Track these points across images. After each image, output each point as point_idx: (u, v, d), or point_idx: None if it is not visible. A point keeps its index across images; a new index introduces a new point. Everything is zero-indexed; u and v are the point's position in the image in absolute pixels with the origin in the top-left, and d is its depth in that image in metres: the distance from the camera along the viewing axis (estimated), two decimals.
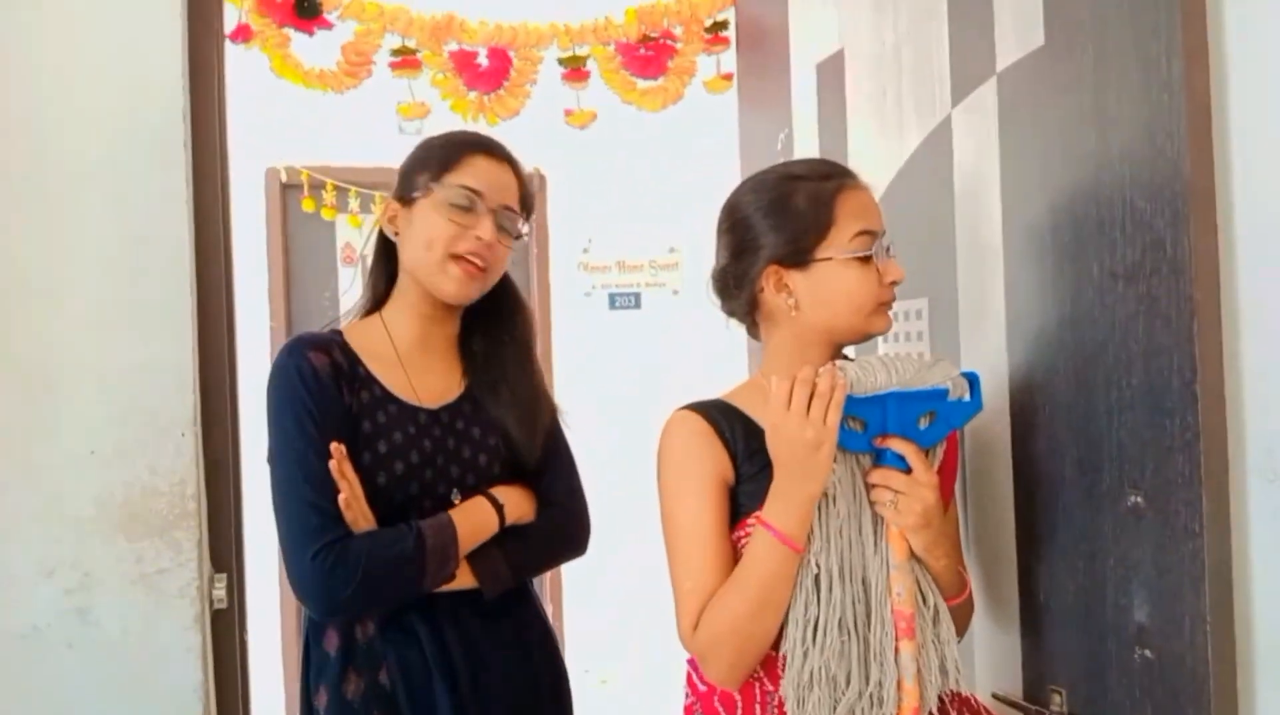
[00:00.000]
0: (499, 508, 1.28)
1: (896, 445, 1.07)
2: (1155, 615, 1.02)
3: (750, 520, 1.10)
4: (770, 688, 1.11)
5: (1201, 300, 0.97)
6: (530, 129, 3.62)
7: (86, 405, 1.36)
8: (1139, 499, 1.04)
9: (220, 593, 1.37)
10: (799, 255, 1.14)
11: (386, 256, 1.37)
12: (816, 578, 1.06)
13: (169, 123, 1.41)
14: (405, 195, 1.32)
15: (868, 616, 1.07)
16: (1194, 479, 0.97)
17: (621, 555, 3.02)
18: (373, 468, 1.23)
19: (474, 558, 1.26)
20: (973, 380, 1.11)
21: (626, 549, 2.85)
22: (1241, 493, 0.97)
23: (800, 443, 1.03)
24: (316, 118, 3.47)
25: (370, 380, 1.27)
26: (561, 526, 1.36)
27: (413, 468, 1.25)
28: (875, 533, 1.09)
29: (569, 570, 3.88)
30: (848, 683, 1.04)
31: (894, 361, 1.09)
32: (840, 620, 1.05)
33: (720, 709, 1.14)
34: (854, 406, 1.06)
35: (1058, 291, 1.16)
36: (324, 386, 1.22)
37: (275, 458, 1.22)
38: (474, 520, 1.26)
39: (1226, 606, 0.96)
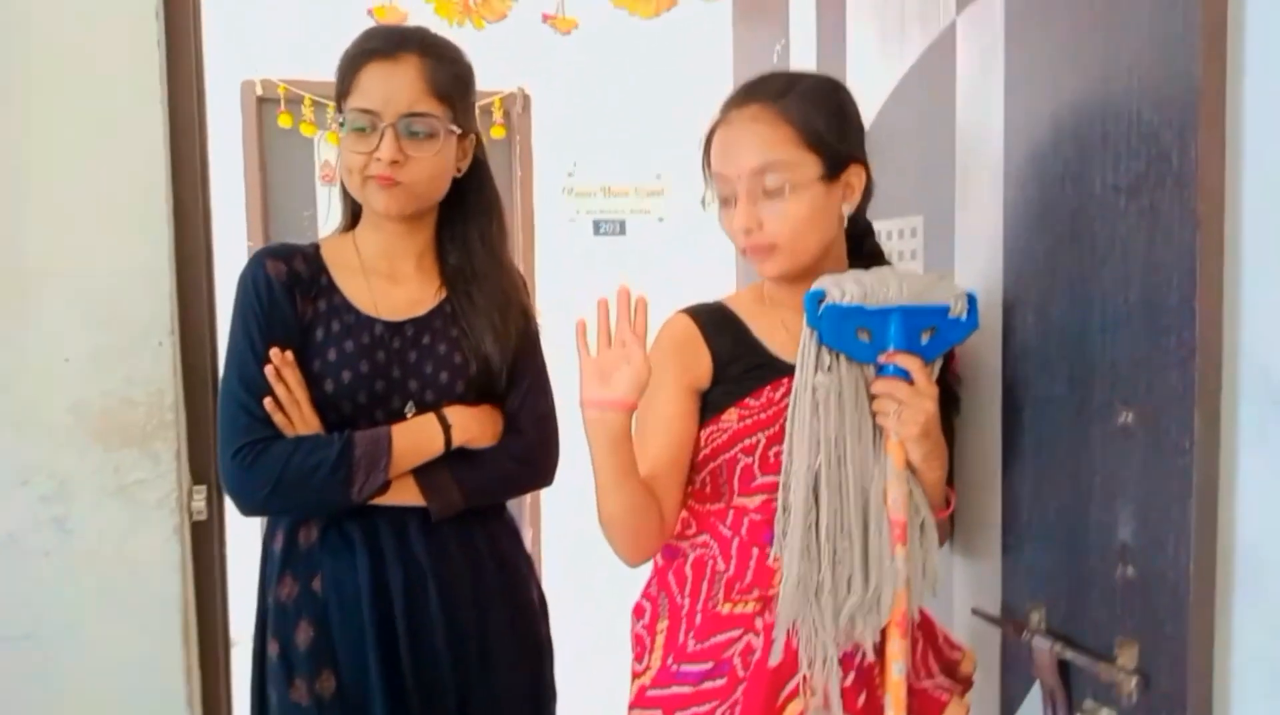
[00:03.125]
0: (446, 427, 1.26)
1: (902, 360, 1.08)
2: (1139, 533, 1.02)
3: (724, 416, 1.14)
4: (722, 567, 1.15)
5: (1205, 214, 0.94)
6: (517, 51, 3.53)
7: (61, 312, 1.33)
8: (1129, 416, 1.03)
9: (200, 504, 1.35)
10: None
11: None
12: (816, 484, 1.07)
13: (141, 19, 1.34)
14: (338, 119, 1.28)
15: (865, 522, 1.08)
16: (1187, 397, 0.95)
17: None
18: (320, 375, 1.24)
19: (423, 475, 1.25)
20: (970, 299, 1.12)
21: None
22: (1233, 412, 0.96)
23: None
24: (294, 30, 3.35)
25: (331, 290, 1.28)
26: (521, 454, 1.33)
27: (362, 377, 1.25)
28: (875, 442, 1.10)
29: (550, 493, 3.89)
30: (849, 589, 1.06)
31: (905, 276, 1.10)
32: (841, 526, 1.07)
33: (673, 582, 1.19)
34: (864, 317, 1.07)
35: (1058, 207, 1.14)
36: (274, 294, 1.23)
37: (225, 363, 1.25)
38: (416, 437, 1.25)
39: (1210, 525, 0.96)
